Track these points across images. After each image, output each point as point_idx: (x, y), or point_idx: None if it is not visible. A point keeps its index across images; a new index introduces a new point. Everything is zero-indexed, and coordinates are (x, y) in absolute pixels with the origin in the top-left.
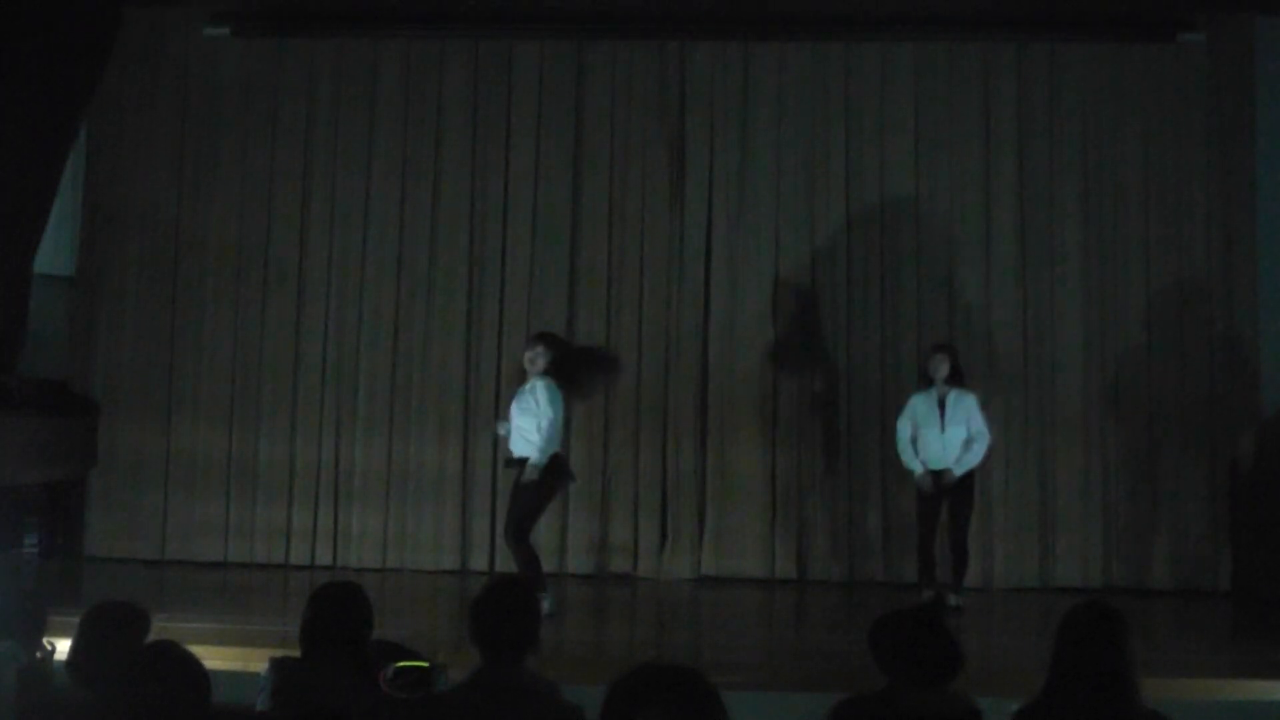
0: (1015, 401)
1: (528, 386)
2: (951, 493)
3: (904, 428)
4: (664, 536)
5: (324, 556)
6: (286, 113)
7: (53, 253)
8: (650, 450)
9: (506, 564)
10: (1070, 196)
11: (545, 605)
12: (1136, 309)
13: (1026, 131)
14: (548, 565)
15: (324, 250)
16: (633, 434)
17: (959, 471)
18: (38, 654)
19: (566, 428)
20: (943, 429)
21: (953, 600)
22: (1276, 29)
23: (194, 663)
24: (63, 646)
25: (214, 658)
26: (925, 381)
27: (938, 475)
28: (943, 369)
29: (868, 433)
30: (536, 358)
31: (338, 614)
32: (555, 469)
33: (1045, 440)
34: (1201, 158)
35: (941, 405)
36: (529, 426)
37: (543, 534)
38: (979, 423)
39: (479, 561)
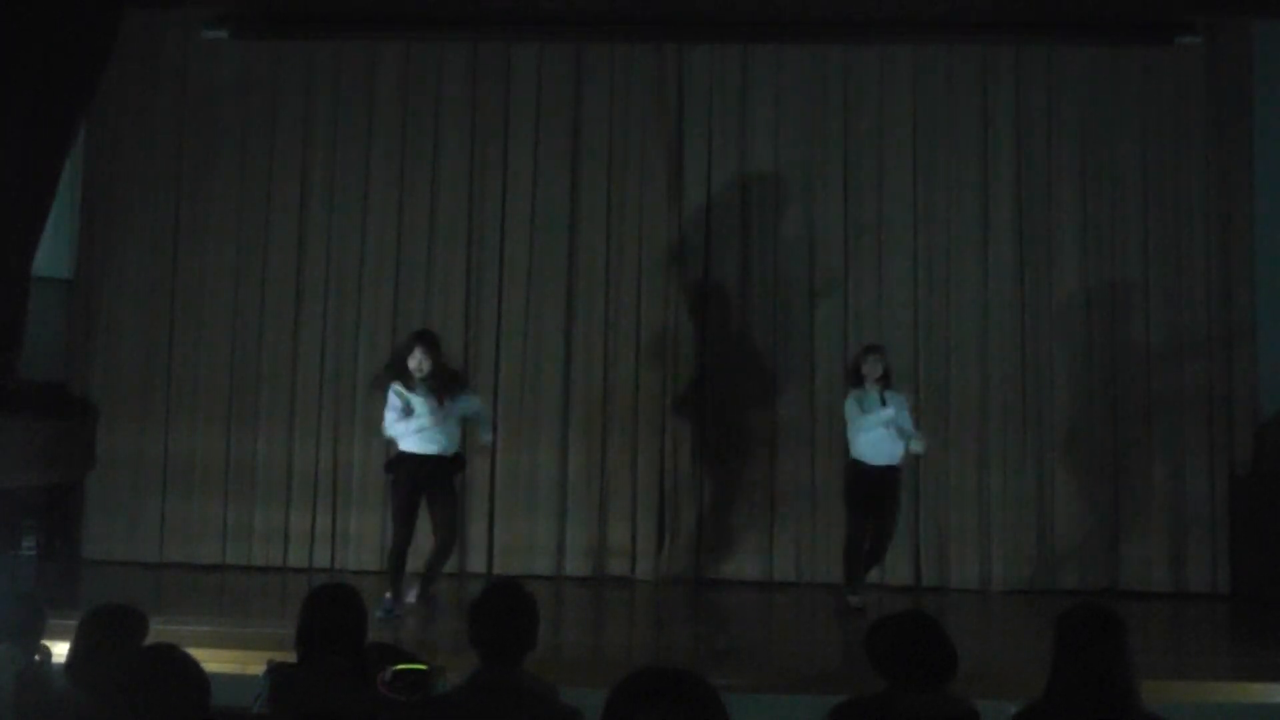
0: (1014, 402)
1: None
2: (888, 491)
3: (854, 408)
4: (662, 538)
5: (322, 559)
6: (285, 114)
7: (51, 255)
8: (648, 452)
9: (505, 566)
10: (1069, 198)
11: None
12: (1136, 309)
13: (1024, 134)
14: (546, 567)
15: (322, 252)
16: (631, 436)
17: (916, 449)
18: (36, 657)
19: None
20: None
21: (855, 601)
22: (1274, 32)
23: (193, 666)
24: (61, 649)
25: (212, 660)
26: (856, 378)
27: (877, 471)
28: (878, 369)
29: None
30: (423, 361)
31: (332, 617)
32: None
33: (1044, 441)
34: (1200, 159)
35: (881, 403)
36: (454, 426)
37: (540, 536)
38: (909, 423)
39: (477, 563)
